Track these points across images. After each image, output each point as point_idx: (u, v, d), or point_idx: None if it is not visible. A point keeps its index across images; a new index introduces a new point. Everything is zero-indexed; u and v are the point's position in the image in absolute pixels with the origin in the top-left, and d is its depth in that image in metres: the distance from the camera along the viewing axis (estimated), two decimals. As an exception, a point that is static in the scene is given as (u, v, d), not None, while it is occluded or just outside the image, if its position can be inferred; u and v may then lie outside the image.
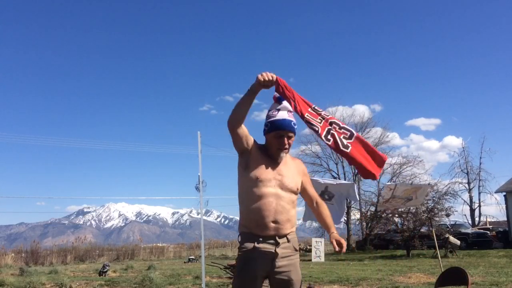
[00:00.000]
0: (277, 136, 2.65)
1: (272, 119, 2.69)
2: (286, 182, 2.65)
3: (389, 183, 11.56)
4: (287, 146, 2.67)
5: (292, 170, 2.75)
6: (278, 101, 2.73)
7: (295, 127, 2.71)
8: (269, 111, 2.76)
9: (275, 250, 2.57)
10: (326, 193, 7.32)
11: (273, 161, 2.67)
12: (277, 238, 2.58)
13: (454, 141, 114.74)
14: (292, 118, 2.70)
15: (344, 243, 2.69)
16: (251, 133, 2.71)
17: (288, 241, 2.62)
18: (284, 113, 2.69)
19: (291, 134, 2.68)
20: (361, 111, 42.80)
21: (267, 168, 2.62)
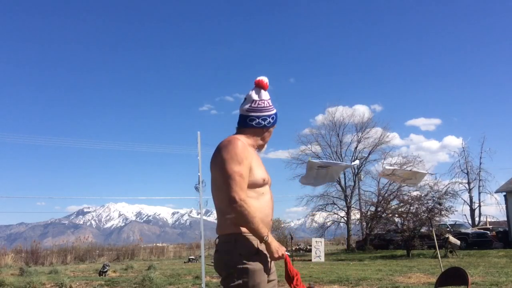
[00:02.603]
0: (272, 130, 2.52)
1: (274, 111, 2.48)
2: (270, 179, 2.52)
3: (388, 167, 11.68)
4: None
5: None
6: (264, 87, 2.48)
7: None
8: (266, 100, 2.45)
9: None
10: (321, 167, 7.75)
11: (259, 157, 2.48)
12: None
13: (454, 141, 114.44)
14: None
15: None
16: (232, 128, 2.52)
17: None
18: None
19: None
20: (361, 111, 42.85)
21: (261, 165, 2.44)
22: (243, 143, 2.32)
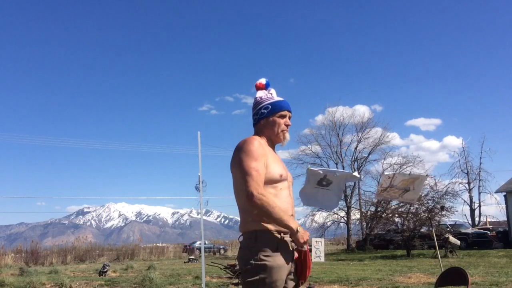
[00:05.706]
0: (281, 116, 2.54)
1: (272, 100, 2.57)
2: (290, 175, 2.58)
3: (387, 172, 11.60)
4: (289, 126, 2.57)
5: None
6: (266, 87, 2.64)
7: None
8: (258, 97, 2.62)
9: (292, 248, 2.38)
10: (324, 180, 7.40)
11: (275, 152, 2.56)
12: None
13: (454, 141, 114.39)
14: None
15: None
16: (248, 132, 2.60)
17: None
18: (278, 97, 2.62)
19: (291, 115, 2.60)
20: (362, 111, 43.02)
21: (279, 162, 2.50)
22: (259, 142, 2.43)
